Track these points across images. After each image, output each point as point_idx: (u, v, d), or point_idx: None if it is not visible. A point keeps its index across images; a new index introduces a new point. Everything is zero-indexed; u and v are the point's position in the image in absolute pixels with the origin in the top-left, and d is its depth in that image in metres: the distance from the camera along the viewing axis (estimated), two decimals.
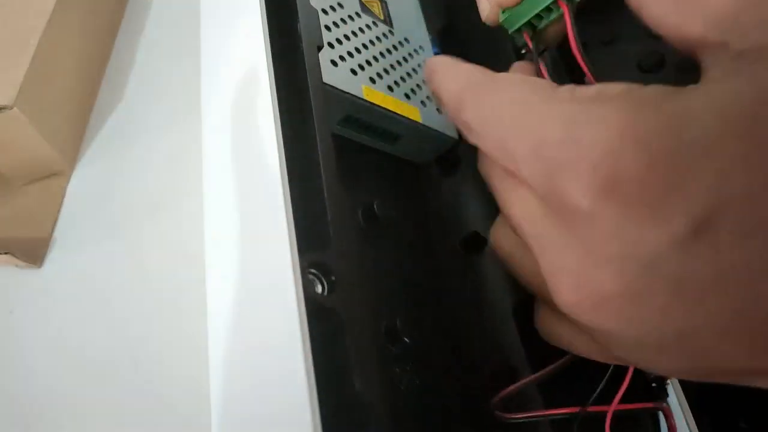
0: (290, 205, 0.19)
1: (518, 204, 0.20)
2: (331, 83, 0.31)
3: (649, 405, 0.30)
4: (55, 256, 0.43)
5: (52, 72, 0.43)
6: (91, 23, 0.51)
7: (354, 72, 0.34)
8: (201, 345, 0.39)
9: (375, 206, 0.36)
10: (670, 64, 0.38)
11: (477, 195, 0.44)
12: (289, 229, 0.19)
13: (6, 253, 0.39)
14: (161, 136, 0.49)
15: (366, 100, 0.34)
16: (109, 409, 0.37)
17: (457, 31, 0.42)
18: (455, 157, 0.43)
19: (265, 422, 0.18)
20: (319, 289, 0.19)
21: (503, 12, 0.31)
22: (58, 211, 0.45)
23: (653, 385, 0.34)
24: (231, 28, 0.28)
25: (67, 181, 0.46)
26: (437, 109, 0.38)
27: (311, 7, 0.26)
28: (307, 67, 0.23)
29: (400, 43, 0.39)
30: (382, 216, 0.36)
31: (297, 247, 0.18)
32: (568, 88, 0.20)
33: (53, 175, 0.46)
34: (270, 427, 0.18)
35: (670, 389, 0.35)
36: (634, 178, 0.16)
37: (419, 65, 0.39)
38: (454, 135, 0.39)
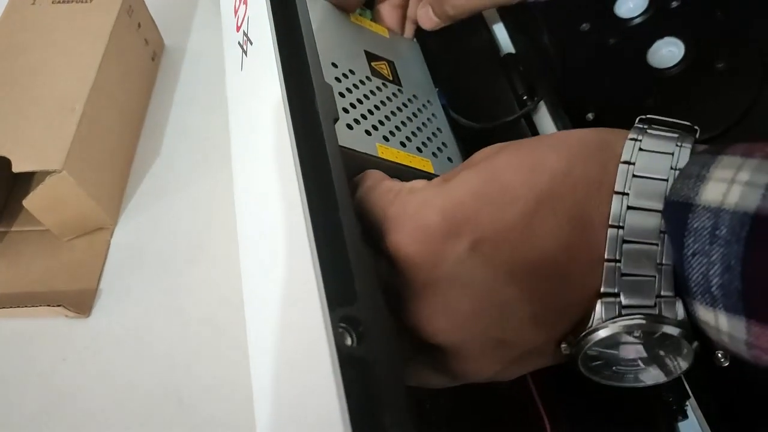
0: (318, 265, 0.22)
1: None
2: (347, 146, 0.34)
3: None
4: (101, 306, 0.46)
5: (95, 134, 0.47)
6: (129, 85, 0.55)
7: (368, 133, 0.37)
8: (241, 386, 0.42)
9: None
10: None
11: None
12: (319, 289, 0.21)
13: (59, 306, 0.42)
14: (196, 186, 0.52)
15: (380, 158, 0.36)
16: None
17: (460, 80, 0.45)
18: None
19: None
20: (348, 341, 0.21)
21: None
22: (104, 263, 0.48)
23: (673, 407, 0.36)
24: (255, 106, 0.31)
25: (111, 235, 0.49)
26: (448, 158, 0.41)
27: (326, 83, 0.29)
28: (325, 138, 0.26)
29: (409, 100, 0.42)
30: None
31: (327, 304, 0.21)
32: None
33: (98, 230, 0.49)
34: None
35: (689, 411, 0.36)
36: (437, 226, 0.26)
37: (428, 119, 0.42)
38: None
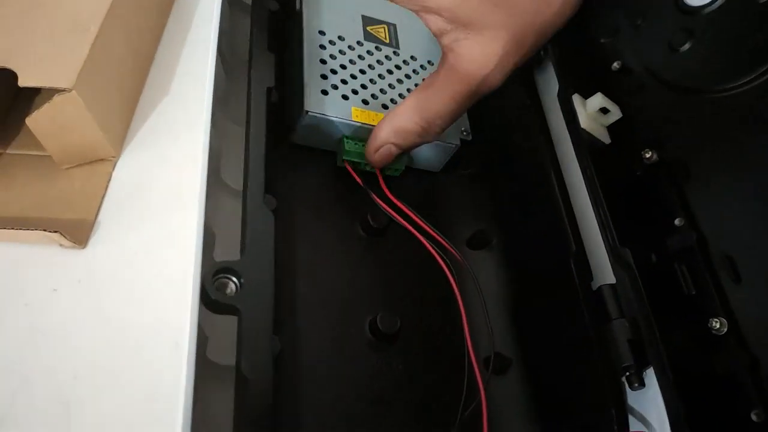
0: (203, 209, 0.21)
1: None
2: (317, 111, 0.37)
3: None
4: (98, 239, 0.44)
5: (108, 59, 0.45)
6: (144, 16, 0.52)
7: (345, 97, 0.39)
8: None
9: (369, 217, 0.41)
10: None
11: (480, 195, 0.47)
12: (198, 232, 0.21)
13: (55, 232, 0.40)
14: (203, 130, 0.50)
15: (353, 121, 0.38)
16: (147, 387, 0.38)
17: None
18: (456, 158, 0.46)
19: None
20: (231, 289, 0.21)
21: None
22: (103, 195, 0.46)
23: (627, 373, 0.36)
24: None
25: (113, 167, 0.47)
26: None
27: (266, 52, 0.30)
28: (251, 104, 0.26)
29: (404, 61, 0.43)
30: (377, 225, 0.41)
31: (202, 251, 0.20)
32: None
33: (99, 161, 0.47)
34: None
35: (647, 379, 0.36)
36: None
37: (424, 80, 0.42)
38: (455, 141, 0.43)
